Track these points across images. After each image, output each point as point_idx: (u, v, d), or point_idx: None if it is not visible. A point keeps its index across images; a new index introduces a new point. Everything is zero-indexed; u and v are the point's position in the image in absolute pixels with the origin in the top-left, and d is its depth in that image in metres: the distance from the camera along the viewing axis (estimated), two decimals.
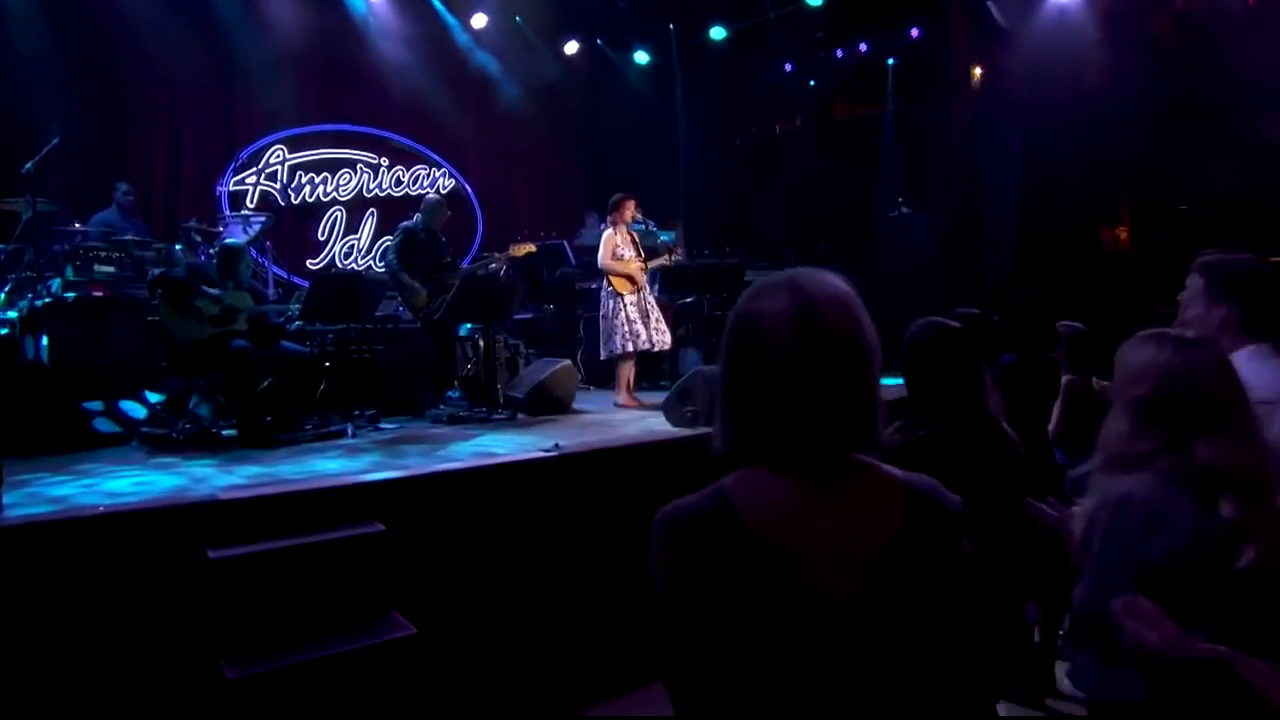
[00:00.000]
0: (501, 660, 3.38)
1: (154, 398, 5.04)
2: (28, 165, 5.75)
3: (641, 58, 10.88)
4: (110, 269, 5.59)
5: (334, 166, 9.20)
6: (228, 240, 5.96)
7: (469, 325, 6.38)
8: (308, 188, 9.01)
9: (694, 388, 4.80)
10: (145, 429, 4.75)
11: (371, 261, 9.08)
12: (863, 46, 10.70)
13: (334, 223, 9.20)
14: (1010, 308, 3.51)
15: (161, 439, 4.54)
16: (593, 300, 6.62)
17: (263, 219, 7.06)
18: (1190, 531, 1.52)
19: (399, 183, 9.66)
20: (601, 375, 7.03)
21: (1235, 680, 1.32)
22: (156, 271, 5.33)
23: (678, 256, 7.09)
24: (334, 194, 9.20)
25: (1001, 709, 3.07)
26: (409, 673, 2.81)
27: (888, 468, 1.16)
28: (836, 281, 1.14)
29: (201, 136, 8.37)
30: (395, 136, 9.62)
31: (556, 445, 3.96)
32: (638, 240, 6.31)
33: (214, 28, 8.02)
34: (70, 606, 2.61)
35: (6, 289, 5.48)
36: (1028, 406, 3.09)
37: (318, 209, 9.08)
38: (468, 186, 10.16)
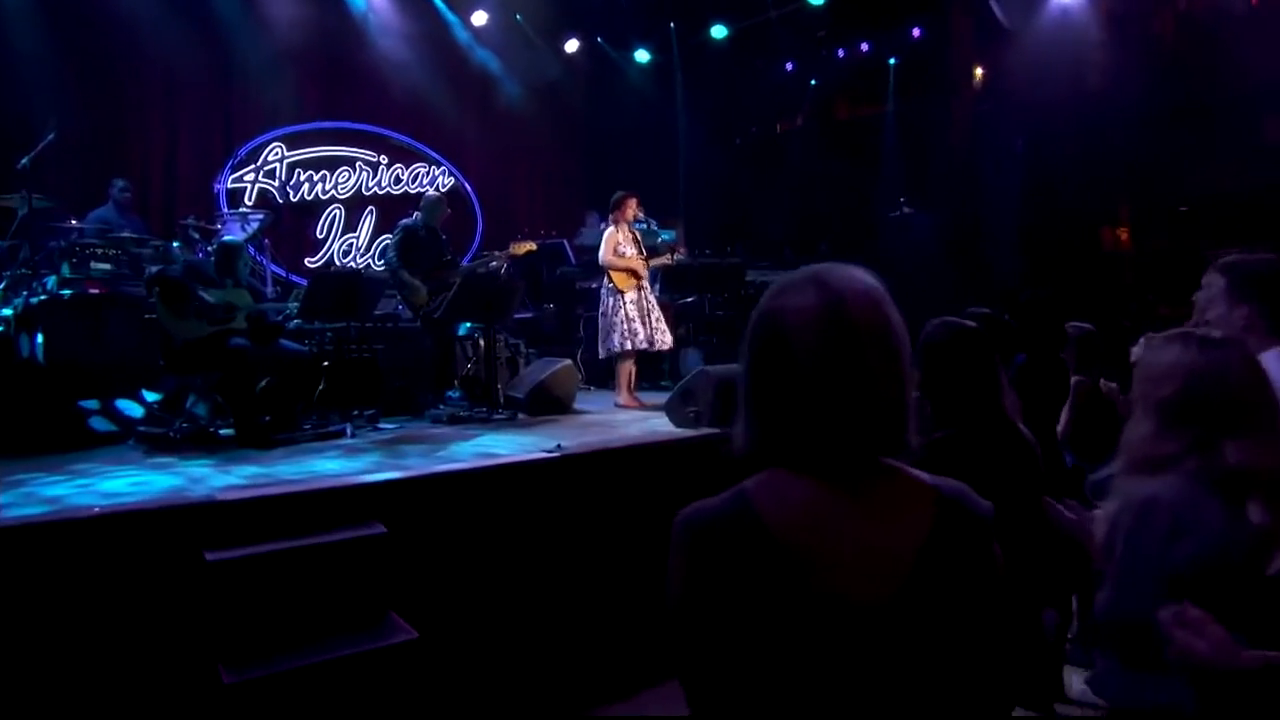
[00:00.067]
0: (504, 665, 3.33)
1: (151, 397, 5.00)
2: (23, 161, 5.70)
3: (642, 56, 10.86)
4: (107, 266, 5.55)
5: (333, 164, 9.15)
6: (226, 238, 5.91)
7: (468, 324, 6.34)
8: (306, 185, 8.96)
9: (697, 388, 4.77)
10: (142, 428, 4.71)
11: (370, 260, 9.03)
12: (864, 46, 10.69)
13: (333, 221, 9.15)
14: (1020, 308, 3.48)
15: (158, 438, 4.50)
16: (593, 300, 6.59)
17: (261, 217, 7.02)
18: (1218, 536, 1.49)
19: (398, 181, 9.61)
20: (602, 375, 6.99)
21: None
22: (154, 269, 5.28)
23: (680, 255, 7.05)
24: (333, 192, 9.15)
25: None
26: (410, 677, 2.77)
27: (914, 471, 1.12)
28: (864, 276, 1.11)
29: (200, 133, 8.31)
30: (395, 134, 9.57)
31: (559, 446, 3.93)
32: (639, 239, 6.28)
33: (213, 24, 7.96)
34: (65, 610, 2.57)
35: (1, 286, 5.43)
36: (1038, 408, 3.05)
37: (316, 207, 9.03)
38: (467, 185, 10.11)
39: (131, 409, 4.90)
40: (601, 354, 6.18)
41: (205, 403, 4.81)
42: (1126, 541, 1.59)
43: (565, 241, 9.08)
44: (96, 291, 5.29)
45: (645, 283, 6.14)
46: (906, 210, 9.52)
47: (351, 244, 9.23)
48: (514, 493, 3.57)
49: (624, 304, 5.97)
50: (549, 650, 3.45)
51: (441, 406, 5.69)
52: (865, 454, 1.07)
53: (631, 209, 6.17)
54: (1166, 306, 8.24)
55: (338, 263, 8.96)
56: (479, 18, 9.66)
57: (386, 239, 7.45)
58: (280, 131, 8.75)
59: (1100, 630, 1.72)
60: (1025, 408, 2.32)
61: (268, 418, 4.63)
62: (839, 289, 1.07)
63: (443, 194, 6.99)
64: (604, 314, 6.07)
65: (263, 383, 4.66)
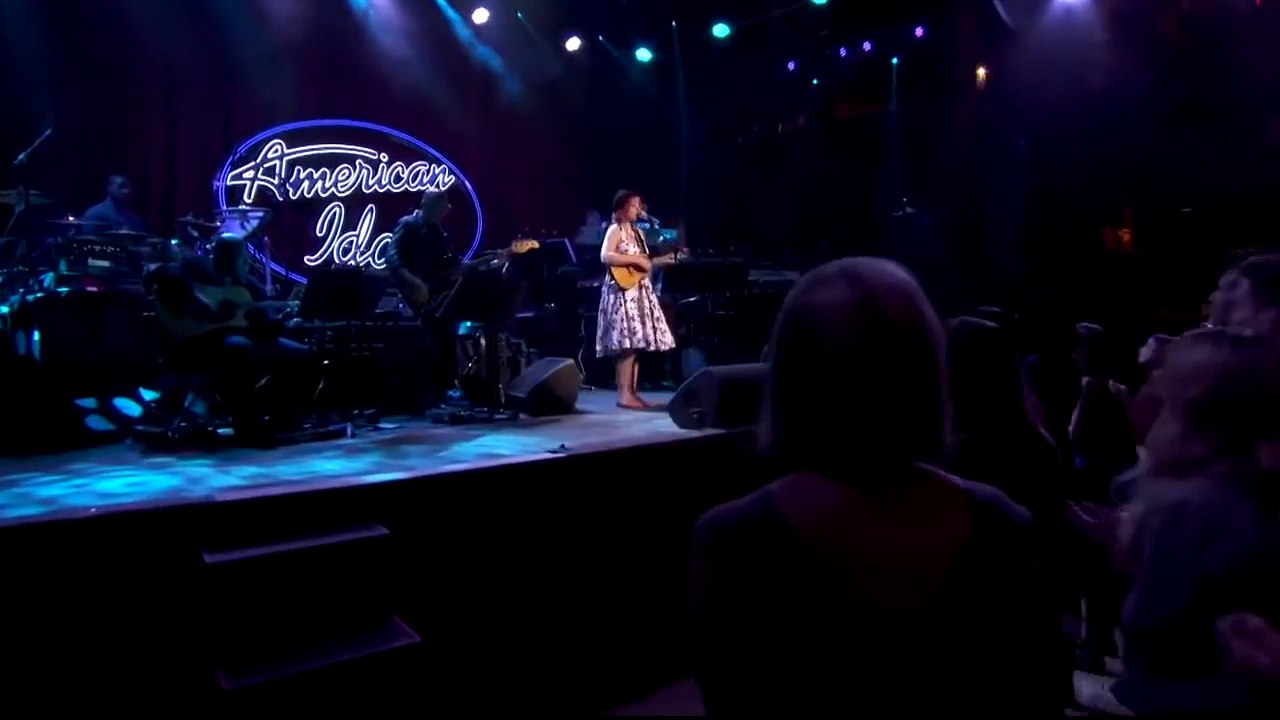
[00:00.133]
0: (508, 669, 3.29)
1: (149, 395, 4.96)
2: (20, 156, 5.64)
3: (644, 55, 10.82)
4: (105, 263, 5.51)
5: (333, 162, 9.10)
6: (225, 234, 5.86)
7: (469, 323, 6.30)
8: (306, 183, 8.90)
9: (701, 389, 4.72)
10: (139, 427, 4.67)
11: (370, 258, 8.99)
12: (867, 45, 10.67)
13: (332, 219, 9.10)
14: (1029, 308, 3.44)
15: (156, 438, 4.46)
16: (594, 299, 6.55)
17: (260, 214, 6.99)
18: (1253, 541, 1.44)
19: (398, 179, 9.56)
20: (603, 374, 6.95)
21: None
22: (152, 266, 5.23)
23: (683, 255, 7.01)
24: (333, 190, 9.10)
25: None
26: (412, 682, 2.72)
27: (948, 475, 1.08)
28: (896, 270, 1.07)
29: (199, 130, 8.26)
30: (395, 132, 9.52)
31: (563, 446, 3.89)
32: (643, 237, 6.23)
33: (213, 19, 7.91)
34: (61, 613, 2.52)
35: None
36: (1051, 409, 3.00)
37: (316, 205, 8.97)
38: (468, 183, 10.07)
39: (129, 408, 4.86)
40: (599, 351, 6.12)
41: (204, 401, 4.78)
42: (1156, 545, 1.55)
43: (566, 240, 9.04)
44: (94, 289, 5.24)
45: (647, 281, 6.10)
46: (909, 210, 9.49)
47: (351, 242, 9.18)
48: (518, 494, 3.53)
49: (624, 302, 5.93)
50: (553, 654, 3.41)
51: (442, 406, 5.65)
52: (898, 456, 1.03)
53: (635, 207, 6.13)
54: (1168, 308, 8.24)
55: (337, 261, 8.91)
56: (480, 15, 9.62)
57: (386, 237, 7.40)
58: (280, 128, 8.69)
59: (1128, 636, 1.67)
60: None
61: (267, 417, 4.59)
62: (872, 284, 1.03)
63: (444, 190, 6.93)
64: (603, 310, 6.02)
65: (262, 381, 4.63)
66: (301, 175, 8.87)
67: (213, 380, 4.66)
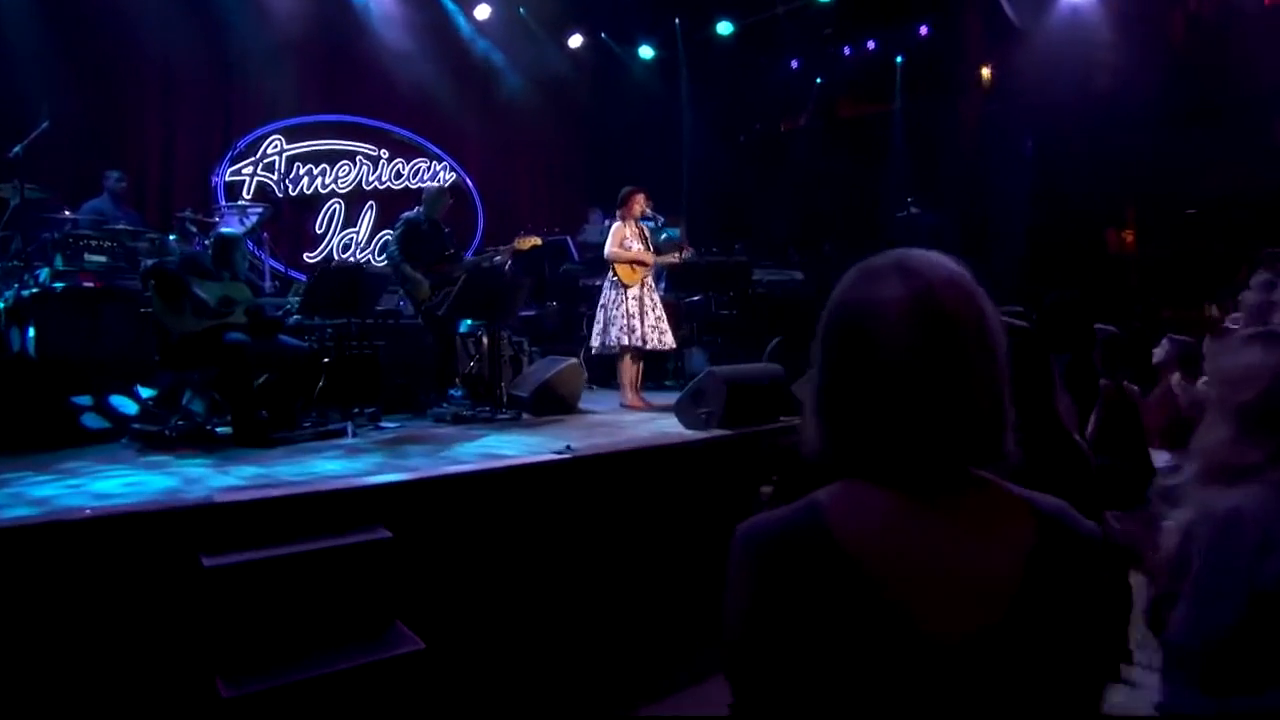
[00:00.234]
0: (514, 675, 3.21)
1: (146, 393, 4.89)
2: (16, 149, 5.57)
3: (646, 52, 10.78)
4: (101, 259, 5.46)
5: (333, 158, 9.02)
6: (223, 229, 5.79)
7: (470, 321, 6.23)
8: (306, 179, 8.83)
9: (708, 389, 4.66)
10: (136, 425, 4.60)
11: (370, 255, 8.92)
12: (871, 44, 10.63)
13: (332, 215, 9.03)
14: (1047, 310, 3.38)
15: (153, 436, 4.40)
16: (596, 297, 6.49)
17: (260, 210, 6.93)
18: None
19: (399, 175, 9.49)
20: (605, 374, 6.87)
21: None
22: (149, 262, 5.15)
23: (688, 254, 6.94)
24: (333, 186, 9.03)
25: None
26: (416, 690, 2.65)
27: (1009, 485, 1.00)
28: (949, 263, 0.99)
29: (198, 124, 8.17)
30: (395, 128, 9.45)
31: (568, 447, 3.83)
32: (647, 235, 6.17)
33: (212, 14, 7.84)
34: (54, 618, 2.45)
35: None
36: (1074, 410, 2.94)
37: (316, 201, 8.90)
38: (469, 180, 10.00)
39: (125, 405, 4.79)
40: (595, 346, 6.02)
41: (202, 399, 4.71)
42: (1206, 556, 1.47)
43: (568, 238, 8.97)
44: (90, 284, 5.19)
45: (650, 280, 6.03)
46: (914, 210, 9.43)
47: (351, 239, 9.11)
48: (524, 496, 3.46)
49: (626, 298, 5.86)
50: (558, 660, 3.34)
51: (444, 405, 5.59)
52: (957, 464, 0.96)
53: (639, 205, 6.07)
54: (1170, 309, 8.20)
55: (337, 258, 8.84)
56: (482, 11, 9.57)
57: (387, 234, 7.32)
58: (280, 124, 8.62)
59: (1172, 652, 1.60)
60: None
61: (266, 415, 4.52)
62: (928, 277, 0.95)
63: (444, 186, 6.86)
64: (604, 305, 5.96)
65: (261, 379, 4.55)
66: (301, 171, 8.80)
67: (211, 378, 4.59)
